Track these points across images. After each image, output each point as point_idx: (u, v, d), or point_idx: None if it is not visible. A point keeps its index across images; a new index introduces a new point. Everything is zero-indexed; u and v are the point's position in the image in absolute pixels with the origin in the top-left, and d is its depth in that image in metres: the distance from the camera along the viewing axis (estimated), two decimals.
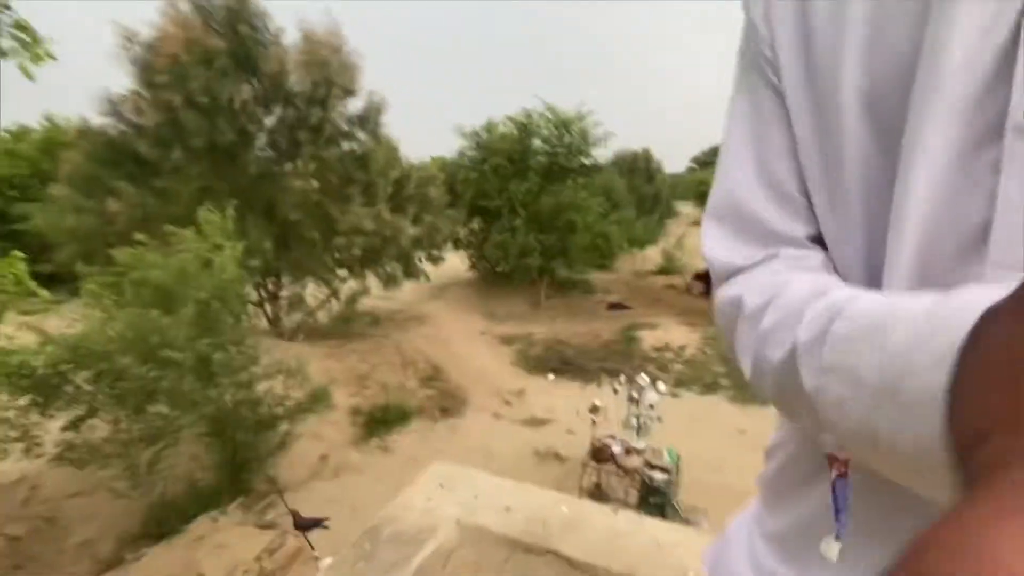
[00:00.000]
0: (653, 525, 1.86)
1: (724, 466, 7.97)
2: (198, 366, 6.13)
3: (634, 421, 7.45)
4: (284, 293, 11.59)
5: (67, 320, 5.42)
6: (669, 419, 8.63)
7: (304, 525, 3.17)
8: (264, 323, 11.68)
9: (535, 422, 9.97)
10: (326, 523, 3.29)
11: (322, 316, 12.50)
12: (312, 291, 12.05)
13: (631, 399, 7.30)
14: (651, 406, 7.37)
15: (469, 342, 13.42)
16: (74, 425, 5.32)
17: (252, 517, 6.52)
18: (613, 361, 12.85)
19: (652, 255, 23.51)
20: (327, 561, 2.97)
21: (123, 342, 5.13)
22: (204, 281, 6.26)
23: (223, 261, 6.39)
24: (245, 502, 7.02)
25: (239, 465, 6.96)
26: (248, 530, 6.27)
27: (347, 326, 12.11)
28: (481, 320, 15.21)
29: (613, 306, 16.68)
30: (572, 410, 10.06)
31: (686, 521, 6.07)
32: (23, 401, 4.86)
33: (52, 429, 5.36)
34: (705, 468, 7.94)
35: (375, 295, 12.89)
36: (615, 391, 7.57)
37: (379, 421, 9.27)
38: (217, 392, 6.43)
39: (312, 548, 3.26)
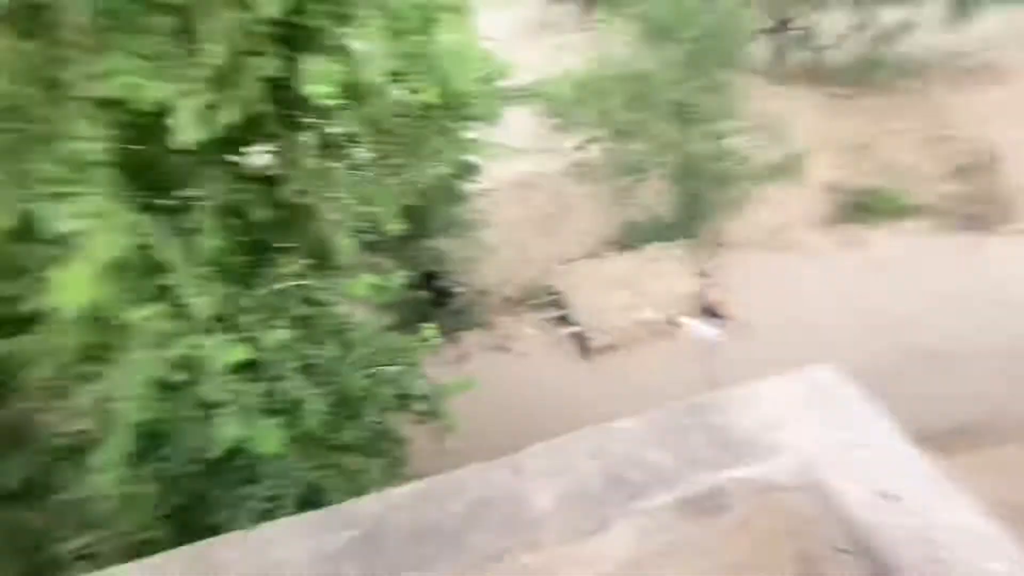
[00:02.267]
0: None
1: None
2: (677, 110, 6.24)
3: None
4: (797, 23, 9.54)
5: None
6: None
7: (704, 309, 3.18)
8: (766, 56, 10.30)
9: None
10: (723, 322, 3.19)
11: (840, 55, 9.91)
12: (836, 22, 9.41)
13: None
14: None
15: None
16: (582, 147, 6.66)
17: (692, 262, 7.12)
18: None
19: None
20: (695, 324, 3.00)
21: (615, 80, 5.61)
22: (702, 17, 5.76)
23: None
24: (692, 244, 7.67)
25: (692, 211, 7.39)
26: (686, 269, 6.99)
27: (869, 72, 9.30)
28: None
29: None
30: None
31: None
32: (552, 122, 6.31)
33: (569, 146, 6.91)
34: None
35: (928, 29, 8.92)
36: None
37: (860, 207, 7.60)
38: (687, 138, 6.55)
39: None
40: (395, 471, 3.49)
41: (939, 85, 9.29)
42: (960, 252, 6.94)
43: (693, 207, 7.38)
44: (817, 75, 9.78)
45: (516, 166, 8.56)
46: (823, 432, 1.29)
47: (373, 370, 2.93)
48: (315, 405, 2.63)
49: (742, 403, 1.42)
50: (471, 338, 7.04)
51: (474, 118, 4.32)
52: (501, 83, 5.86)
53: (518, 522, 1.21)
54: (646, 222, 7.65)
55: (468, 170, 4.96)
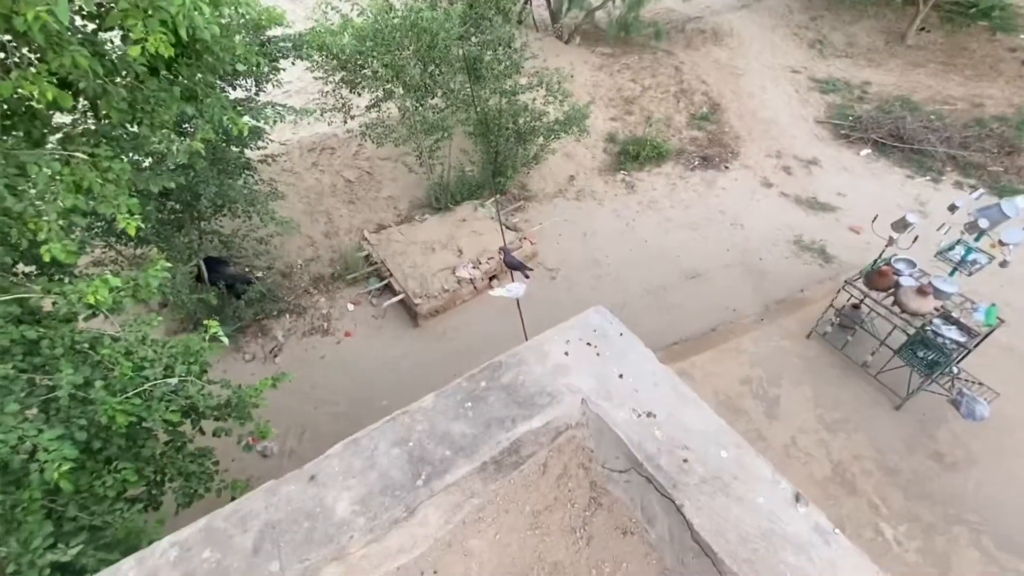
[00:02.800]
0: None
1: None
2: (466, 66, 6.22)
3: (957, 252, 5.36)
4: None
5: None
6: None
7: (511, 264, 3.34)
8: (544, 16, 10.90)
9: (812, 204, 8.15)
10: (528, 274, 3.41)
11: (605, 17, 10.97)
12: None
13: (972, 226, 5.07)
14: (1000, 242, 5.07)
15: (769, 80, 10.58)
16: (375, 105, 6.25)
17: (501, 218, 7.42)
18: (982, 151, 8.86)
19: None
20: (504, 290, 3.15)
21: (402, 31, 5.33)
22: None
23: None
24: (500, 200, 7.99)
25: (498, 167, 7.64)
26: (496, 226, 7.25)
27: (627, 35, 10.50)
28: (799, 51, 11.49)
29: None
30: (880, 208, 7.78)
31: (956, 401, 4.73)
32: (337, 77, 5.75)
33: (362, 105, 6.43)
34: None
35: None
36: (953, 207, 5.30)
37: (631, 156, 8.73)
38: (485, 93, 6.63)
39: (512, 280, 3.54)
40: (204, 487, 3.03)
41: (679, 46, 10.97)
42: (702, 187, 8.51)
43: (496, 163, 7.62)
44: (589, 35, 10.72)
45: (308, 129, 7.74)
46: (597, 369, 1.46)
47: (145, 386, 2.41)
48: (60, 450, 2.07)
49: (533, 357, 1.53)
50: (283, 325, 6.38)
51: (229, 73, 3.71)
52: (268, 32, 5.10)
53: (317, 537, 1.10)
54: (452, 182, 7.68)
55: (247, 135, 4.28)
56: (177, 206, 5.25)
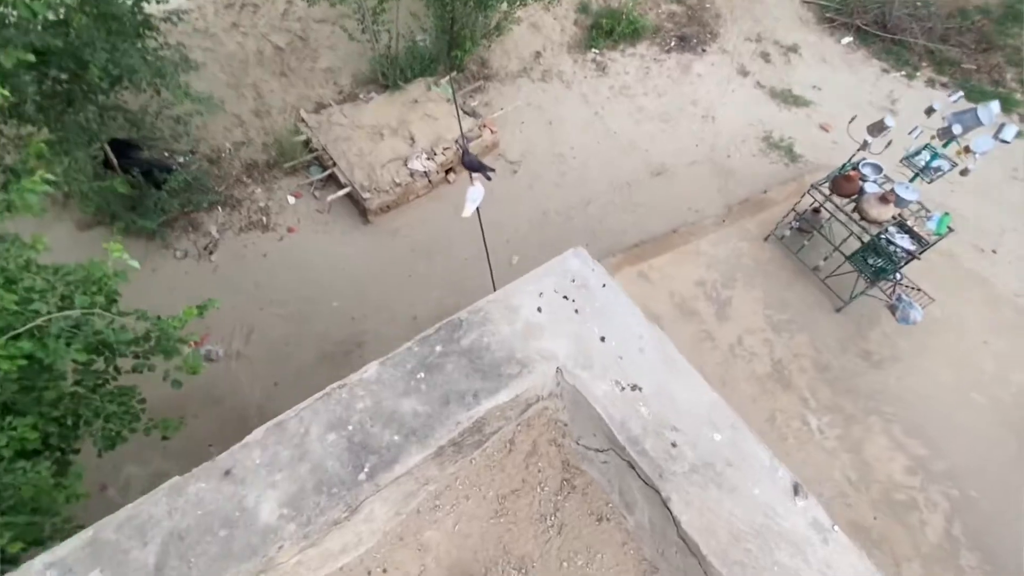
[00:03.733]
0: None
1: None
2: None
3: (923, 157, 5.28)
4: None
5: None
6: (986, 179, 6.07)
7: (471, 165, 2.94)
8: None
9: (786, 98, 7.75)
10: (490, 175, 3.03)
11: None
12: None
13: (945, 131, 4.93)
14: (967, 149, 5.00)
15: None
16: None
17: (458, 100, 6.66)
18: (959, 46, 8.49)
19: None
20: (471, 203, 2.83)
21: None
22: None
23: None
24: (456, 78, 7.12)
25: (454, 38, 6.67)
26: (453, 109, 6.53)
27: None
28: None
29: None
30: (851, 104, 7.49)
31: (893, 306, 4.96)
32: None
33: None
34: (975, 259, 5.99)
35: None
36: (931, 110, 5.10)
37: (605, 32, 7.83)
38: None
39: (471, 182, 3.15)
40: (128, 427, 2.80)
41: None
42: (676, 72, 7.87)
43: (452, 33, 6.64)
44: None
45: None
46: (575, 329, 1.26)
47: (36, 322, 2.03)
48: None
49: (500, 314, 1.29)
50: (216, 219, 5.77)
51: None
52: None
53: (237, 548, 0.91)
54: (401, 54, 6.70)
55: None
56: (62, 76, 4.30)
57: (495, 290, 3.31)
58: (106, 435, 2.62)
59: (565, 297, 1.29)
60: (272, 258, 5.65)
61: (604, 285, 1.30)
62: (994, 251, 6.23)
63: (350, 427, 1.04)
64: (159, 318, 2.83)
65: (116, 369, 2.80)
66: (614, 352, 1.20)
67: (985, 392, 5.23)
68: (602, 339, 1.21)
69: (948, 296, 5.45)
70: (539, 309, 1.24)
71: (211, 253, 5.56)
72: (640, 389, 1.13)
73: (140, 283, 5.39)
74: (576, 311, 1.27)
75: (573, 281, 1.31)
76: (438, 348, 1.16)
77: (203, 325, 5.13)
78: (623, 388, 1.12)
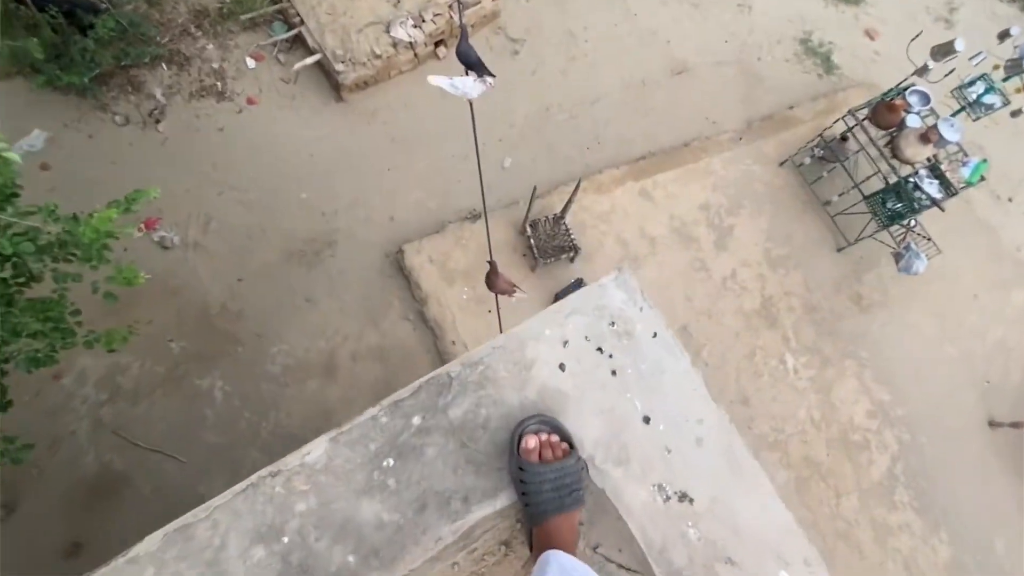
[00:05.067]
0: None
1: None
2: None
3: (975, 90, 4.69)
4: None
5: None
6: None
7: (467, 58, 2.27)
8: None
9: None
10: (490, 80, 2.39)
11: None
12: None
13: (1014, 64, 4.30)
14: None
15: None
16: None
17: None
18: None
19: None
20: (448, 83, 2.28)
21: None
22: None
23: None
24: None
25: None
26: None
27: None
28: None
29: None
30: (906, 11, 6.55)
31: (899, 254, 4.71)
32: None
33: None
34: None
35: None
36: (1005, 34, 4.39)
37: None
38: None
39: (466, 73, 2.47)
40: (62, 341, 2.46)
41: None
42: None
43: None
44: None
45: None
46: (611, 401, 0.93)
47: None
48: None
49: (506, 370, 0.92)
50: (161, 79, 4.89)
51: None
52: None
53: None
54: None
55: None
56: None
57: (484, 214, 2.85)
58: (29, 357, 2.30)
59: (599, 350, 0.94)
60: (230, 134, 4.92)
61: (655, 335, 0.95)
62: (1010, 199, 5.92)
63: (285, 539, 0.75)
64: (75, 217, 2.34)
65: (31, 277, 2.39)
66: (661, 441, 0.89)
67: (959, 345, 5.28)
68: (646, 420, 0.90)
69: (952, 245, 5.23)
70: (561, 366, 0.91)
71: (157, 121, 4.78)
72: (692, 501, 0.86)
73: (76, 151, 4.69)
74: (613, 372, 0.93)
75: (612, 325, 0.95)
76: (416, 421, 0.84)
77: (155, 207, 4.59)
78: (668, 497, 0.84)
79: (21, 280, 2.37)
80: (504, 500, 0.78)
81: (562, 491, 0.76)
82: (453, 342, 4.44)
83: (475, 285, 4.63)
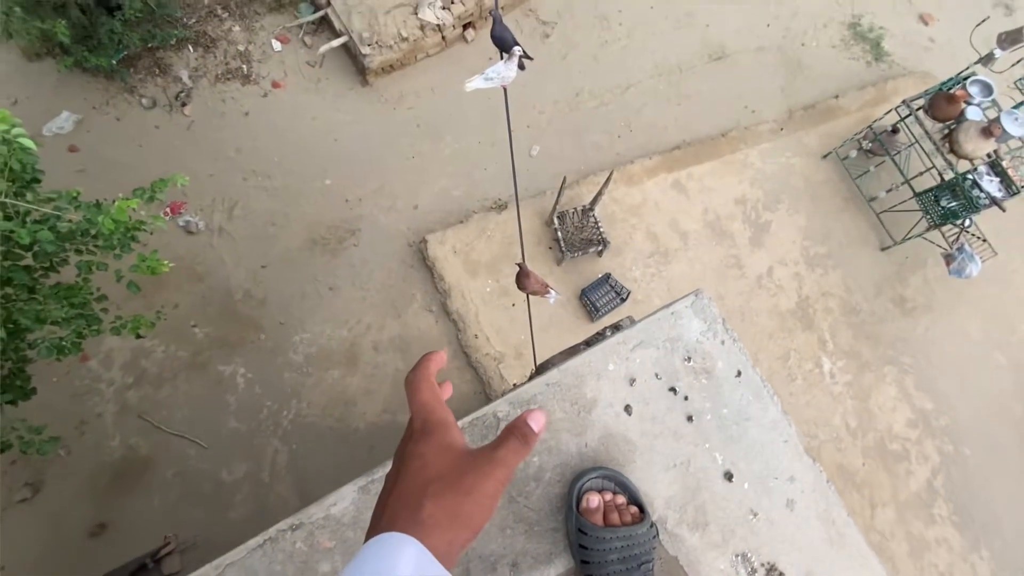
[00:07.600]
0: None
1: None
2: None
3: None
4: None
5: None
6: None
7: (501, 41, 2.12)
8: None
9: None
10: (525, 61, 2.21)
11: None
12: None
13: None
14: None
15: None
16: None
17: None
18: None
19: None
20: (482, 79, 2.16)
21: None
22: None
23: None
24: None
25: None
26: None
27: None
28: None
29: None
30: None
31: (950, 255, 4.43)
32: None
33: None
34: None
35: None
36: None
37: None
38: None
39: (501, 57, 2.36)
40: (90, 329, 2.42)
41: None
42: None
43: None
44: None
45: None
46: (686, 452, 0.82)
47: None
48: None
49: (563, 411, 0.79)
50: (187, 62, 4.83)
51: None
52: None
53: None
54: None
55: None
56: None
57: (517, 210, 2.71)
58: (53, 346, 2.26)
59: (672, 390, 0.81)
60: (255, 118, 4.85)
61: (739, 374, 0.81)
62: None
63: None
64: (96, 205, 2.27)
65: (51, 265, 2.35)
66: (745, 503, 0.76)
67: (1008, 353, 4.99)
68: (728, 476, 0.77)
69: (1005, 245, 4.91)
70: (627, 409, 0.78)
71: (184, 104, 4.74)
72: (781, 575, 0.73)
73: (104, 133, 4.68)
74: (689, 418, 0.79)
75: (688, 361, 0.82)
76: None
77: (180, 192, 4.56)
78: (754, 570, 0.72)
79: (45, 267, 2.33)
80: (560, 567, 0.67)
81: (630, 563, 0.65)
82: (476, 336, 4.34)
83: (499, 277, 4.51)
